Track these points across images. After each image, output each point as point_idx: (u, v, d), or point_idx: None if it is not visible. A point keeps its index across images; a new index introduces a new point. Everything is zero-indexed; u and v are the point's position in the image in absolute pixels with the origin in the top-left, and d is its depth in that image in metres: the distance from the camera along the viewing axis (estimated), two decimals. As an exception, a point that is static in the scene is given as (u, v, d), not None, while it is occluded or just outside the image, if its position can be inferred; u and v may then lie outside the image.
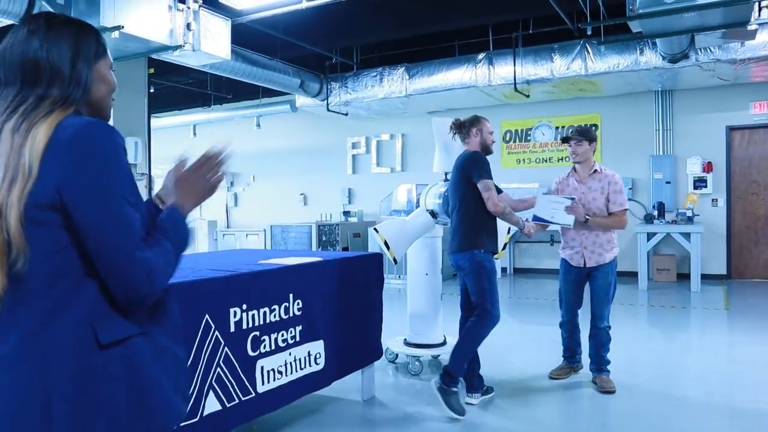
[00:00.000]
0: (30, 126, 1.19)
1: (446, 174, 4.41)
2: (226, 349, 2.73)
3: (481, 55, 8.70)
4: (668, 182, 9.05)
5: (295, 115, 11.41)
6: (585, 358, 4.22)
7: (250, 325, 2.88)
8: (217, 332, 2.68)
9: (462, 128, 3.90)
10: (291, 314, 3.14)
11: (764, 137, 8.86)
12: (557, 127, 9.97)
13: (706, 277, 8.44)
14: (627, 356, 4.64)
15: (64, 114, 1.22)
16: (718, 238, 8.94)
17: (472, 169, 3.67)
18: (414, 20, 7.87)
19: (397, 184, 6.09)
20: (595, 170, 4.08)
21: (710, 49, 7.33)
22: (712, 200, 9.00)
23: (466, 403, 3.72)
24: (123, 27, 5.24)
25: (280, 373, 3.06)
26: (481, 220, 3.69)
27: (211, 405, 2.64)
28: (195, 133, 12.88)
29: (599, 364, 4.06)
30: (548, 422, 3.55)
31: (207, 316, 2.63)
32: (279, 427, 3.38)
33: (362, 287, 3.75)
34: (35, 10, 5.14)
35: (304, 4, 6.29)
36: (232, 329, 2.77)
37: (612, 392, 3.91)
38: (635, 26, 6.23)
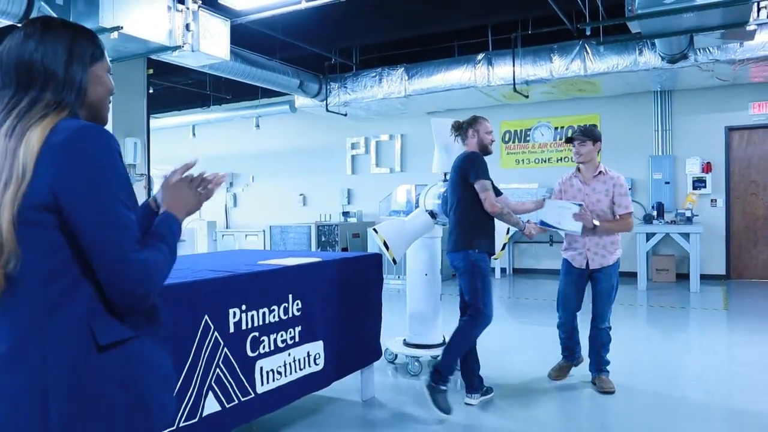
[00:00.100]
0: (24, 129, 1.20)
1: (445, 174, 4.41)
2: (225, 349, 2.72)
3: (480, 56, 8.71)
4: (667, 182, 9.05)
5: (295, 116, 11.41)
6: (585, 353, 4.20)
7: (250, 326, 2.88)
8: (216, 333, 2.67)
9: (460, 129, 3.90)
10: (290, 315, 3.13)
11: (763, 137, 8.87)
12: (556, 128, 9.98)
13: (705, 278, 8.45)
14: (626, 357, 4.64)
15: (59, 117, 1.23)
16: (717, 238, 8.94)
17: (469, 170, 3.66)
18: (413, 21, 7.87)
19: (397, 185, 6.09)
20: (600, 171, 4.01)
21: (709, 50, 7.33)
22: (711, 200, 9.00)
23: (466, 404, 3.72)
24: (122, 27, 5.23)
25: (280, 373, 3.05)
26: (477, 221, 3.69)
27: (211, 406, 2.64)
28: (194, 134, 12.89)
29: (599, 364, 4.05)
30: (548, 423, 3.55)
31: (206, 316, 2.63)
32: (278, 427, 3.38)
33: (362, 288, 3.75)
34: (34, 11, 5.14)
35: (303, 5, 6.29)
36: (232, 330, 2.77)
37: (611, 392, 3.91)
38: (634, 27, 6.23)
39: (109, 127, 1.38)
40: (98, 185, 1.20)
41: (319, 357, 3.33)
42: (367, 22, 7.91)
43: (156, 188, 1.63)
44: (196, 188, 1.48)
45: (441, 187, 4.43)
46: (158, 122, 11.79)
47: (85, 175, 1.19)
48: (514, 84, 8.43)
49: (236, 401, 2.78)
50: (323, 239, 10.17)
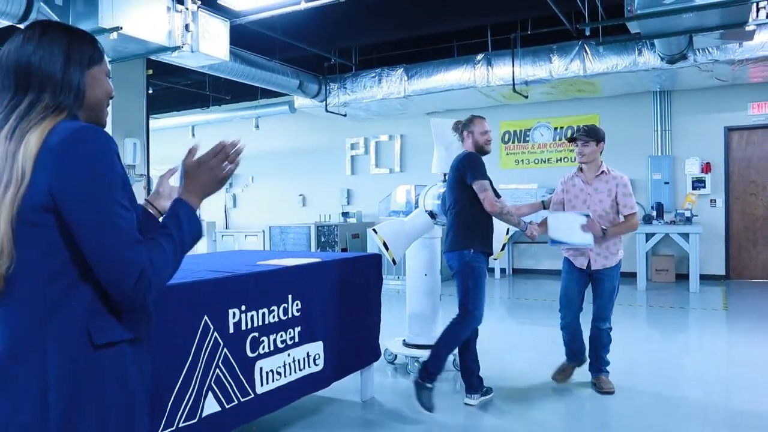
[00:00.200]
0: (23, 132, 1.21)
1: (445, 175, 4.41)
2: (225, 350, 2.72)
3: (479, 56, 8.71)
4: (667, 183, 9.05)
5: (294, 116, 11.41)
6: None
7: (249, 326, 2.87)
8: (215, 333, 2.67)
9: (458, 130, 3.90)
10: (290, 315, 3.13)
11: (762, 138, 8.88)
12: (556, 128, 9.99)
13: (704, 278, 8.45)
14: (626, 357, 4.64)
15: (58, 119, 1.24)
16: (717, 238, 8.95)
17: (465, 170, 3.66)
18: (413, 21, 7.87)
19: (396, 185, 6.08)
20: (603, 171, 3.95)
21: (708, 50, 7.34)
22: (711, 201, 9.00)
23: (466, 404, 3.73)
24: (121, 28, 5.23)
25: (279, 374, 3.05)
26: (474, 221, 3.68)
27: (210, 406, 2.63)
28: (193, 134, 12.88)
29: (599, 364, 4.04)
30: (547, 423, 3.55)
31: (206, 317, 2.63)
32: (278, 428, 3.38)
33: (361, 288, 3.75)
34: (33, 11, 5.14)
35: (303, 5, 6.29)
36: (231, 330, 2.77)
37: (611, 393, 3.90)
38: (633, 27, 6.23)
39: (108, 127, 1.38)
40: (96, 186, 1.21)
41: (319, 357, 3.33)
42: (366, 22, 7.91)
43: (152, 192, 1.61)
44: (214, 165, 1.41)
45: (441, 187, 4.43)
46: (158, 123, 11.80)
47: (83, 176, 1.20)
48: (514, 84, 8.43)
49: (236, 402, 2.77)
50: (323, 240, 10.17)
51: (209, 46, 6.12)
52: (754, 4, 6.27)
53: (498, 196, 3.81)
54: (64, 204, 1.19)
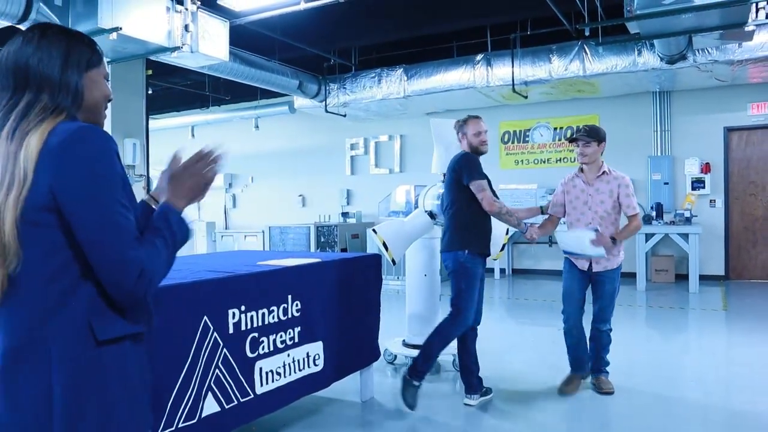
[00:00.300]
0: (24, 133, 1.23)
1: (444, 175, 4.40)
2: (224, 350, 2.72)
3: (479, 57, 8.71)
4: (666, 183, 9.06)
5: (294, 117, 11.41)
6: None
7: (249, 327, 2.87)
8: (215, 333, 2.67)
9: (456, 130, 3.90)
10: (290, 315, 3.13)
11: (762, 138, 8.88)
12: (556, 128, 9.99)
13: (704, 278, 8.45)
14: (626, 357, 4.64)
15: (57, 121, 1.26)
16: (716, 239, 8.95)
17: (462, 171, 3.65)
18: (412, 21, 7.87)
19: (396, 185, 6.09)
20: (604, 172, 3.90)
21: (708, 50, 7.34)
22: (710, 201, 9.01)
23: (465, 404, 3.72)
24: (121, 28, 5.24)
25: (279, 374, 3.05)
26: (470, 222, 3.67)
27: (210, 406, 2.63)
28: (193, 135, 12.88)
29: (598, 365, 4.03)
30: (547, 423, 3.55)
31: (205, 317, 2.63)
32: (278, 428, 3.38)
33: (361, 288, 3.75)
34: (33, 12, 5.14)
35: (302, 6, 6.29)
36: (231, 330, 2.77)
37: (611, 393, 3.90)
38: (633, 27, 6.23)
39: (108, 127, 1.40)
40: (96, 185, 1.23)
41: (319, 358, 3.33)
42: (366, 22, 7.91)
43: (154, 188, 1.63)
44: (197, 170, 1.45)
45: (440, 187, 4.42)
46: (157, 123, 11.79)
47: (83, 176, 1.22)
48: (513, 85, 8.43)
49: (235, 402, 2.78)
50: (322, 240, 10.17)
51: (209, 46, 6.12)
52: (754, 5, 6.27)
53: (496, 196, 3.80)
54: (65, 204, 1.21)
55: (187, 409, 2.51)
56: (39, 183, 1.20)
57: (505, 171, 10.19)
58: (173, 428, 2.44)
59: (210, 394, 2.64)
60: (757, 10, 6.65)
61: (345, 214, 11.24)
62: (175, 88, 10.68)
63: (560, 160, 9.92)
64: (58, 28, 1.36)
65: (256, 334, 2.91)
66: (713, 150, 9.00)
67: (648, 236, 8.29)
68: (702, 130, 9.02)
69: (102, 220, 1.22)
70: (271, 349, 3.00)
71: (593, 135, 3.88)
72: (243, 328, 2.84)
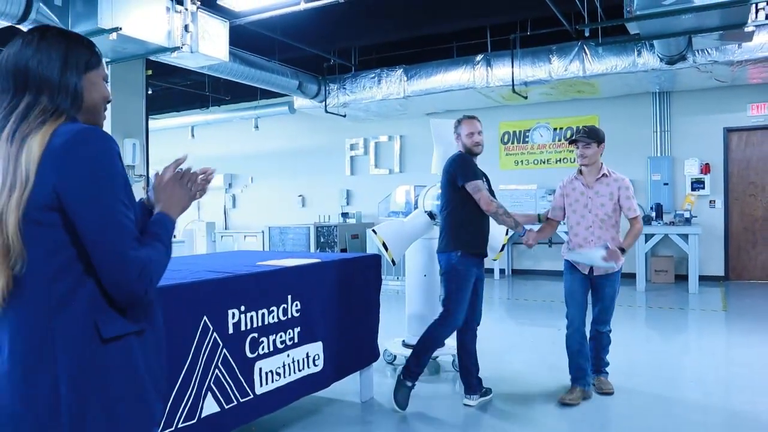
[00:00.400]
0: (24, 135, 1.24)
1: (444, 175, 4.40)
2: (224, 350, 2.72)
3: (479, 57, 8.71)
4: (666, 184, 9.06)
5: (294, 117, 11.41)
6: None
7: (249, 327, 2.87)
8: (215, 334, 2.67)
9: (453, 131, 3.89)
10: (289, 316, 3.13)
11: (762, 139, 8.88)
12: (555, 129, 9.99)
13: (704, 279, 8.46)
14: (625, 358, 4.64)
15: (57, 123, 1.28)
16: (716, 239, 8.95)
17: (456, 173, 3.64)
18: (412, 22, 7.88)
19: (396, 186, 6.10)
20: (603, 174, 3.85)
21: (707, 51, 7.35)
22: (710, 202, 9.01)
23: (465, 405, 3.73)
24: (121, 29, 5.24)
25: (279, 374, 3.05)
26: (464, 223, 3.66)
27: (209, 407, 2.63)
28: (193, 135, 12.90)
29: (598, 365, 4.04)
30: (547, 423, 3.55)
31: (205, 317, 2.63)
32: (277, 428, 3.38)
33: (360, 289, 3.75)
34: (33, 12, 5.14)
35: (302, 6, 6.29)
36: (231, 331, 2.77)
37: (610, 394, 3.91)
38: (633, 28, 6.24)
39: (107, 128, 1.41)
40: (99, 186, 1.25)
41: (318, 358, 3.33)
42: (366, 23, 7.92)
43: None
44: (186, 185, 1.51)
45: (440, 188, 4.42)
46: (157, 123, 11.80)
47: (86, 176, 1.24)
48: (513, 85, 8.44)
49: (235, 402, 2.77)
50: (322, 240, 10.17)
51: (208, 46, 6.12)
52: (754, 6, 6.27)
53: (493, 196, 3.79)
54: (68, 204, 1.23)
55: (186, 409, 2.51)
56: (42, 183, 1.21)
57: (504, 171, 10.19)
58: (173, 428, 2.44)
59: (210, 395, 2.64)
60: (757, 11, 6.65)
61: (345, 215, 11.24)
62: (175, 88, 10.69)
63: (560, 160, 9.92)
64: (58, 31, 1.37)
65: (255, 335, 2.91)
66: (713, 150, 9.01)
67: (648, 237, 8.29)
68: (702, 131, 9.02)
69: (104, 220, 1.24)
70: (271, 349, 3.00)
71: (593, 136, 3.85)
72: (243, 328, 2.84)
